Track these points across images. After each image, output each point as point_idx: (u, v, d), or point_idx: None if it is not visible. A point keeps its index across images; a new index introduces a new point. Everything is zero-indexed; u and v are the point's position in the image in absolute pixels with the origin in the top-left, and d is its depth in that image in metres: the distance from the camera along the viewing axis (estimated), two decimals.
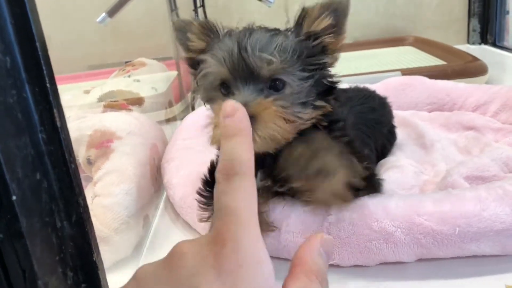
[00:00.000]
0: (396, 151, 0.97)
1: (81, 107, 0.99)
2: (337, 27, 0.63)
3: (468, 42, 1.97)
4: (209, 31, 0.66)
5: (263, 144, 0.58)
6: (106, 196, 0.76)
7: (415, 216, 0.64)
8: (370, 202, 0.67)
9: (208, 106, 0.69)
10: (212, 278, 0.30)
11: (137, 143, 0.86)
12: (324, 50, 0.64)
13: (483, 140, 0.97)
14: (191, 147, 0.95)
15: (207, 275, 0.31)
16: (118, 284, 0.39)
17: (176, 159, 0.91)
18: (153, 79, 1.15)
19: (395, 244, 0.63)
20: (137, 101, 0.95)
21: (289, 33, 0.64)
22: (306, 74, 0.62)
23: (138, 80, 1.04)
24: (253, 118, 0.55)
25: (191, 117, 1.08)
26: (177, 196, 0.82)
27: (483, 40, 1.94)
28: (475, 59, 1.46)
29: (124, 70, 1.13)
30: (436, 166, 0.90)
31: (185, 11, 1.73)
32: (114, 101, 0.94)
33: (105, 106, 0.91)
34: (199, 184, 0.77)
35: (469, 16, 1.97)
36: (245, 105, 0.46)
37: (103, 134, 0.84)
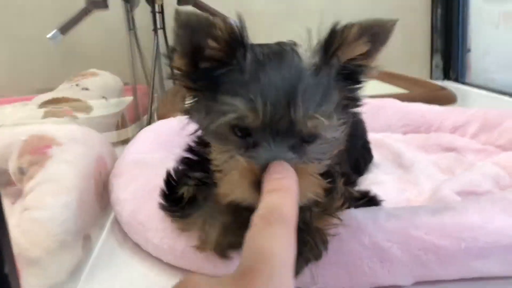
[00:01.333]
0: (372, 169, 0.88)
1: (20, 118, 0.85)
2: (370, 53, 0.52)
3: (431, 77, 1.97)
4: (235, 43, 0.50)
5: None
6: (38, 209, 0.62)
7: (413, 229, 0.54)
8: (358, 215, 0.56)
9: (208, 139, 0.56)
10: None
11: (80, 152, 0.73)
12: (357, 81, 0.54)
13: (466, 160, 0.90)
14: (144, 162, 0.82)
15: None
16: None
17: (125, 173, 0.78)
18: (104, 87, 1.03)
19: (390, 263, 0.53)
20: (84, 109, 0.83)
21: (331, 71, 0.51)
22: (341, 122, 0.52)
23: (86, 89, 0.92)
24: None
25: (147, 132, 0.96)
26: (125, 212, 0.69)
27: (446, 76, 1.94)
28: (443, 88, 1.44)
29: (71, 80, 1.01)
30: (418, 185, 0.82)
31: (144, 32, 1.64)
32: (57, 108, 0.81)
33: (46, 113, 0.78)
34: (152, 199, 0.66)
35: (432, 52, 1.98)
36: None
37: (40, 140, 0.71)
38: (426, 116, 1.10)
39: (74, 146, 0.73)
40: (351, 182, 0.65)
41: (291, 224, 0.34)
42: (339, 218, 0.54)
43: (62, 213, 0.63)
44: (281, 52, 0.51)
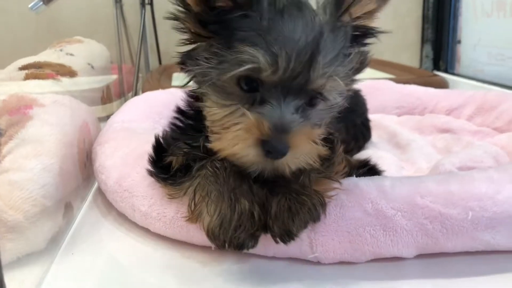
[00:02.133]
0: (370, 147, 0.85)
1: None
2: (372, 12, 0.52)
3: (421, 68, 1.96)
4: None
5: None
6: (17, 171, 0.57)
7: (418, 197, 0.51)
8: (361, 182, 0.53)
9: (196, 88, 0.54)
10: None
11: (64, 115, 0.69)
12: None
13: (463, 140, 0.87)
14: (131, 130, 0.78)
15: None
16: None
17: (111, 141, 0.73)
18: (90, 54, 0.98)
19: (394, 231, 0.50)
20: (69, 73, 0.78)
21: (347, 28, 0.50)
22: (345, 88, 0.51)
23: (71, 54, 0.87)
24: (289, 147, 0.45)
25: (134, 101, 0.92)
26: (111, 180, 0.65)
27: (435, 66, 1.93)
28: (435, 75, 1.42)
29: (54, 46, 0.95)
30: (416, 164, 0.79)
31: (131, 6, 1.59)
32: (39, 71, 0.76)
33: (27, 75, 0.73)
34: (139, 165, 0.62)
35: (422, 42, 1.96)
36: (284, 128, 0.45)
37: (20, 100, 0.67)
38: (421, 98, 1.08)
39: (57, 108, 0.68)
40: (350, 150, 0.62)
41: None
42: (339, 182, 0.51)
43: (42, 176, 0.58)
44: (298, 4, 0.48)
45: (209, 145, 0.50)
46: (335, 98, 0.50)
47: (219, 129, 0.49)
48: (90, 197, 0.74)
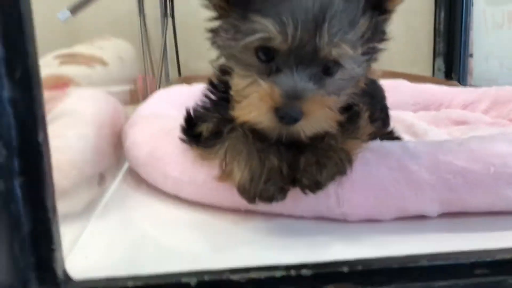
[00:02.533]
0: None
1: None
2: None
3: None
4: None
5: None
6: (57, 138, 0.61)
7: (441, 154, 0.53)
8: (385, 143, 0.56)
9: (224, 63, 0.57)
10: None
11: (98, 96, 0.73)
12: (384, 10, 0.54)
13: (480, 130, 0.89)
14: (159, 115, 0.81)
15: None
16: None
17: (140, 124, 0.77)
18: (119, 48, 1.03)
19: (418, 185, 0.52)
20: (100, 61, 0.83)
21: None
22: (365, 57, 0.53)
23: (101, 48, 0.92)
24: (304, 114, 0.48)
25: (161, 93, 0.95)
26: (142, 152, 0.68)
27: (448, 79, 1.96)
28: (448, 80, 1.45)
29: (85, 42, 1.00)
30: None
31: (153, 19, 1.65)
32: (73, 59, 0.80)
33: (61, 62, 0.78)
34: (170, 138, 0.65)
35: (434, 55, 2.00)
36: (297, 95, 0.47)
37: (58, 79, 0.70)
38: (436, 95, 1.10)
39: (92, 89, 0.72)
40: (375, 119, 0.65)
41: None
42: (365, 141, 0.54)
43: (80, 143, 0.62)
44: None
45: (231, 113, 0.53)
46: (353, 67, 0.52)
47: (240, 99, 0.52)
48: (121, 175, 0.77)
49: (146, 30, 1.61)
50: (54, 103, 0.67)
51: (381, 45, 0.56)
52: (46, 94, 0.70)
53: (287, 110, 0.48)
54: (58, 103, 0.67)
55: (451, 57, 1.95)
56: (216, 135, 0.58)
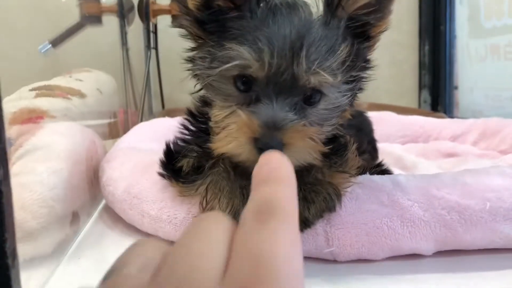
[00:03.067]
0: None
1: (9, 100, 0.80)
2: (379, 7, 0.51)
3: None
4: None
5: None
6: (26, 174, 0.57)
7: (434, 189, 0.50)
8: (375, 177, 0.53)
9: (204, 94, 0.55)
10: None
11: (73, 127, 0.69)
12: (367, 38, 0.52)
13: (470, 162, 0.87)
14: (138, 149, 0.78)
15: None
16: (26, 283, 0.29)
17: (118, 158, 0.73)
18: (98, 80, 1.00)
19: (412, 223, 0.49)
20: (78, 93, 0.79)
21: (341, 23, 0.50)
22: (348, 86, 0.51)
23: (80, 80, 0.89)
24: (284, 145, 0.45)
25: (141, 126, 0.92)
26: (119, 189, 0.64)
27: (434, 111, 1.96)
28: (434, 112, 1.44)
29: (64, 75, 0.97)
30: None
31: (135, 52, 1.63)
32: (50, 91, 0.77)
33: (37, 94, 0.74)
34: (148, 173, 0.62)
35: (420, 88, 2.01)
36: (276, 125, 0.45)
37: (32, 111, 0.67)
38: (424, 127, 1.09)
39: (68, 121, 0.68)
40: (363, 151, 0.62)
41: (292, 219, 0.27)
42: (354, 175, 0.51)
43: (51, 179, 0.58)
44: (294, 4, 0.50)
45: (210, 145, 0.50)
46: (336, 96, 0.50)
47: (219, 130, 0.49)
48: (96, 213, 0.73)
49: (129, 63, 1.59)
50: (26, 136, 0.64)
51: (365, 74, 0.54)
52: (18, 128, 0.66)
53: (266, 141, 0.45)
54: (30, 136, 0.63)
55: (436, 89, 1.96)
56: (197, 170, 0.55)
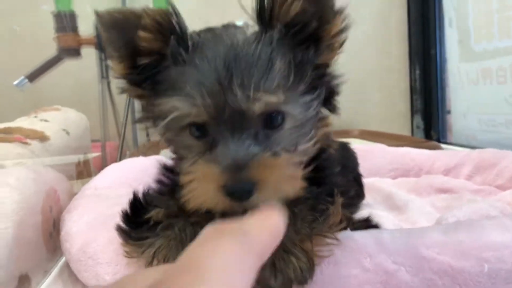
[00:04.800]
0: (365, 208, 0.79)
1: None
2: (321, 11, 0.46)
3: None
4: (167, 30, 0.45)
5: None
6: None
7: (423, 248, 0.44)
8: (356, 235, 0.47)
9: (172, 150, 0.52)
10: None
11: (26, 177, 0.63)
12: (317, 46, 0.47)
13: (465, 199, 0.81)
14: (105, 196, 0.72)
15: None
16: None
17: (80, 207, 0.67)
18: (66, 120, 0.94)
19: None
20: (39, 137, 0.73)
21: (273, 37, 0.45)
22: (310, 96, 0.46)
23: (46, 120, 0.83)
24: (255, 184, 0.40)
25: (112, 168, 0.86)
26: (74, 247, 0.57)
27: (427, 136, 1.91)
28: (427, 141, 1.38)
29: (30, 114, 0.91)
30: (416, 223, 0.72)
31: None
32: (7, 135, 0.71)
33: None
34: (107, 229, 0.55)
35: (412, 113, 1.96)
36: (240, 164, 0.41)
37: None
38: (415, 159, 1.03)
39: (20, 171, 0.62)
40: (347, 193, 0.56)
41: (254, 249, 0.27)
42: (333, 238, 0.44)
43: None
44: (221, 34, 0.46)
45: (182, 199, 0.44)
46: (300, 111, 0.45)
47: (187, 183, 0.44)
48: (55, 271, 0.66)
49: (110, 94, 1.54)
50: None
51: (325, 79, 0.48)
52: None
53: (235, 184, 0.40)
54: None
55: (429, 114, 1.91)
56: (153, 227, 0.49)
